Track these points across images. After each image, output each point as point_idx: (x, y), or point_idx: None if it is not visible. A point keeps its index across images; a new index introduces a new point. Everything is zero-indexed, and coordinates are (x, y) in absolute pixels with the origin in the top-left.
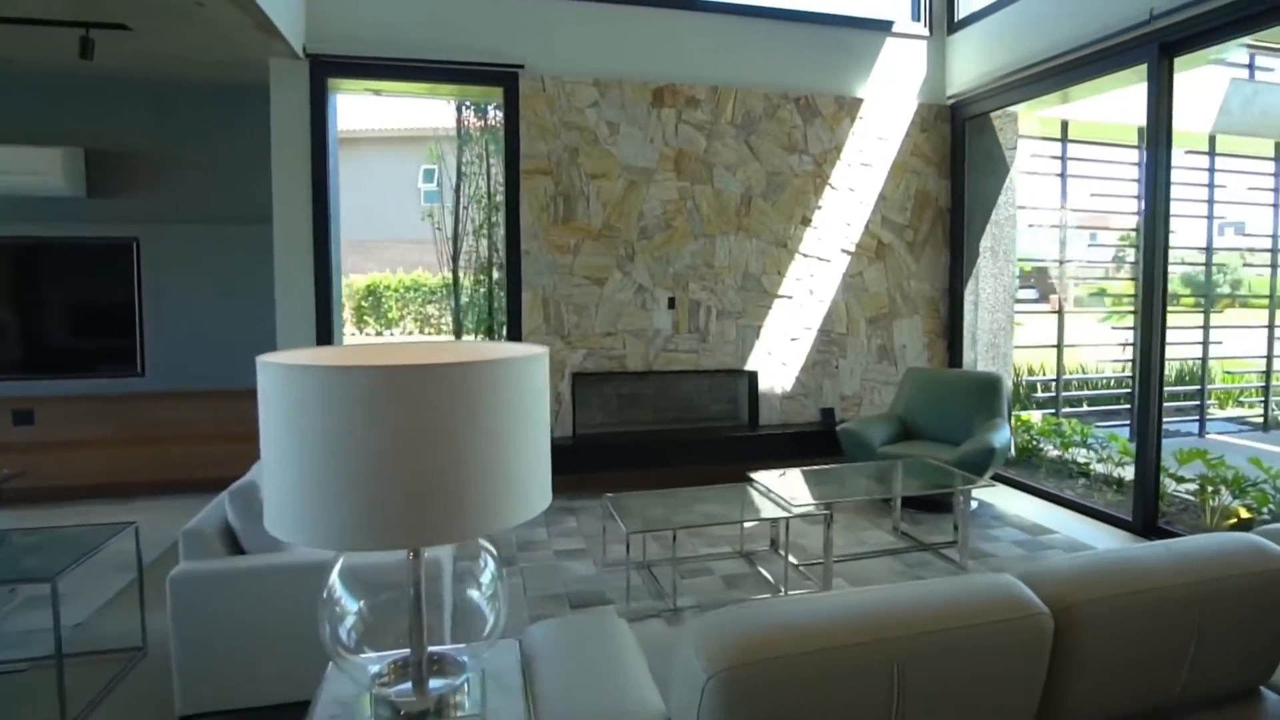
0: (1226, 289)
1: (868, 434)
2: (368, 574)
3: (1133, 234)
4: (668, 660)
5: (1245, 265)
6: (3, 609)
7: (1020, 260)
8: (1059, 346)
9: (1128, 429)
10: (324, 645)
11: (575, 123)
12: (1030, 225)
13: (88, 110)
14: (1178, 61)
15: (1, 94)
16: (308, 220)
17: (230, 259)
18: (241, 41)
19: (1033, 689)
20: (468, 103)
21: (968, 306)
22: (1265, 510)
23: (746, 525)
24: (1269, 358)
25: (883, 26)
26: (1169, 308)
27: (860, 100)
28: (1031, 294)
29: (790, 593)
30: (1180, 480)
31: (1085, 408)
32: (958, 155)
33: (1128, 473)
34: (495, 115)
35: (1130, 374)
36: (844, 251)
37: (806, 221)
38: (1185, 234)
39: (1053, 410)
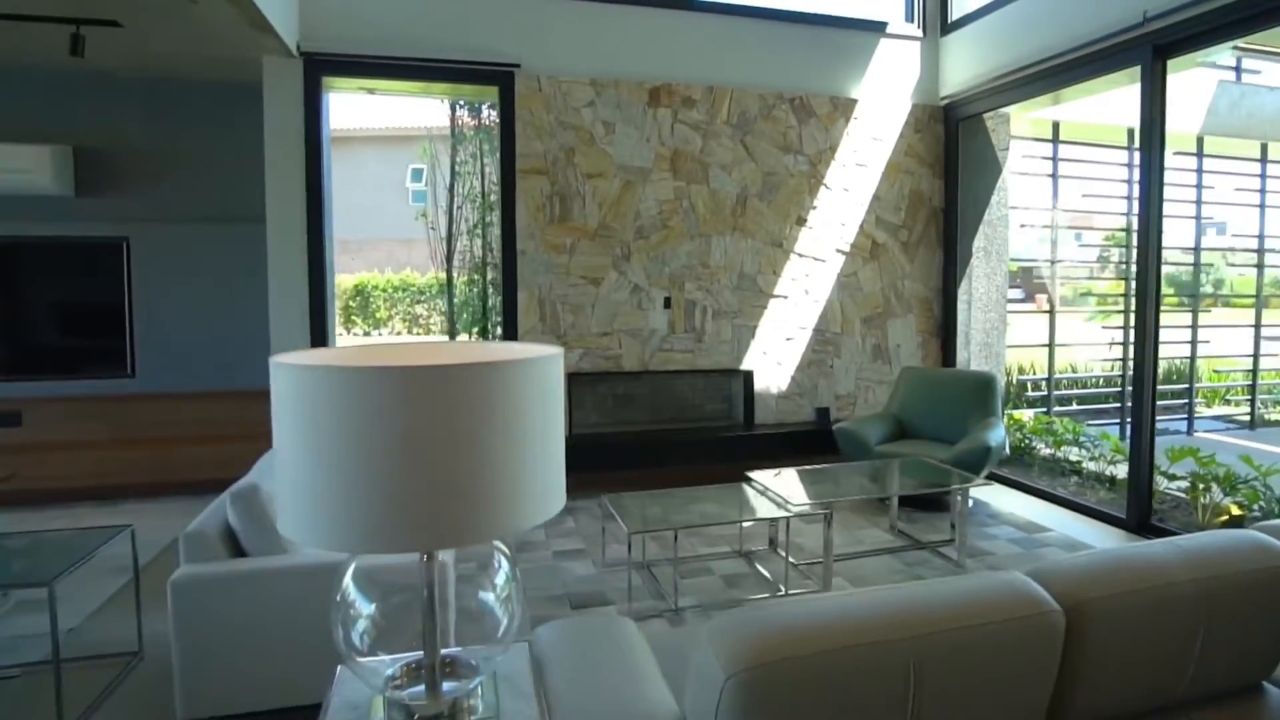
0: (1209, 288)
1: (864, 433)
2: (380, 576)
3: (1121, 234)
4: (674, 660)
5: (1229, 265)
6: None
7: (1010, 260)
8: (1050, 346)
9: (1117, 427)
10: (337, 648)
11: (571, 122)
12: (1022, 225)
13: (77, 107)
14: (1170, 64)
15: None
16: (301, 220)
17: (222, 259)
18: (235, 39)
19: (1044, 686)
20: (461, 102)
21: (961, 306)
22: (1256, 507)
23: (745, 525)
24: (1255, 356)
25: (877, 28)
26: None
27: (855, 101)
28: (1018, 294)
29: (791, 592)
30: (1172, 478)
31: (1074, 406)
32: (951, 156)
33: (1119, 471)
34: (489, 115)
35: (1119, 373)
36: (839, 251)
37: (802, 221)
38: (1172, 234)
39: (1044, 409)
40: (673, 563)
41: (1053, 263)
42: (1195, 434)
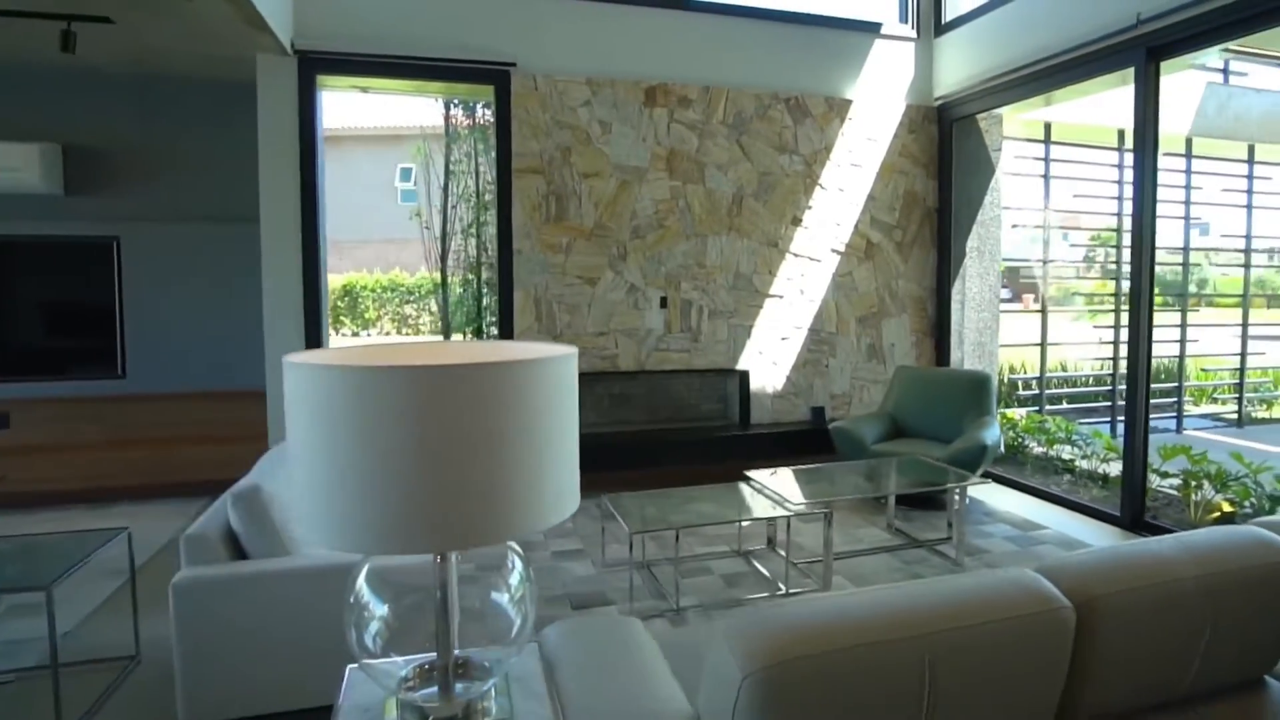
0: (1193, 288)
1: (860, 432)
2: (391, 577)
3: (1111, 234)
4: (681, 660)
5: (1212, 265)
6: None
7: (1003, 260)
8: (1042, 345)
9: (1107, 425)
10: (350, 650)
11: (567, 122)
12: (1014, 225)
13: (66, 105)
14: (1162, 65)
15: None
16: (296, 220)
17: (214, 259)
18: (229, 36)
19: (1055, 682)
20: (456, 101)
21: (954, 306)
22: (1247, 504)
23: (745, 524)
24: (1242, 355)
25: (871, 28)
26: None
27: (850, 101)
28: (1005, 293)
29: (792, 591)
30: (1164, 475)
31: (1064, 405)
32: (945, 156)
33: (1111, 468)
34: (483, 114)
35: (1109, 371)
36: (834, 251)
37: (797, 221)
38: (1161, 234)
39: (1035, 408)
40: (673, 562)
41: (1044, 262)
42: (1184, 432)
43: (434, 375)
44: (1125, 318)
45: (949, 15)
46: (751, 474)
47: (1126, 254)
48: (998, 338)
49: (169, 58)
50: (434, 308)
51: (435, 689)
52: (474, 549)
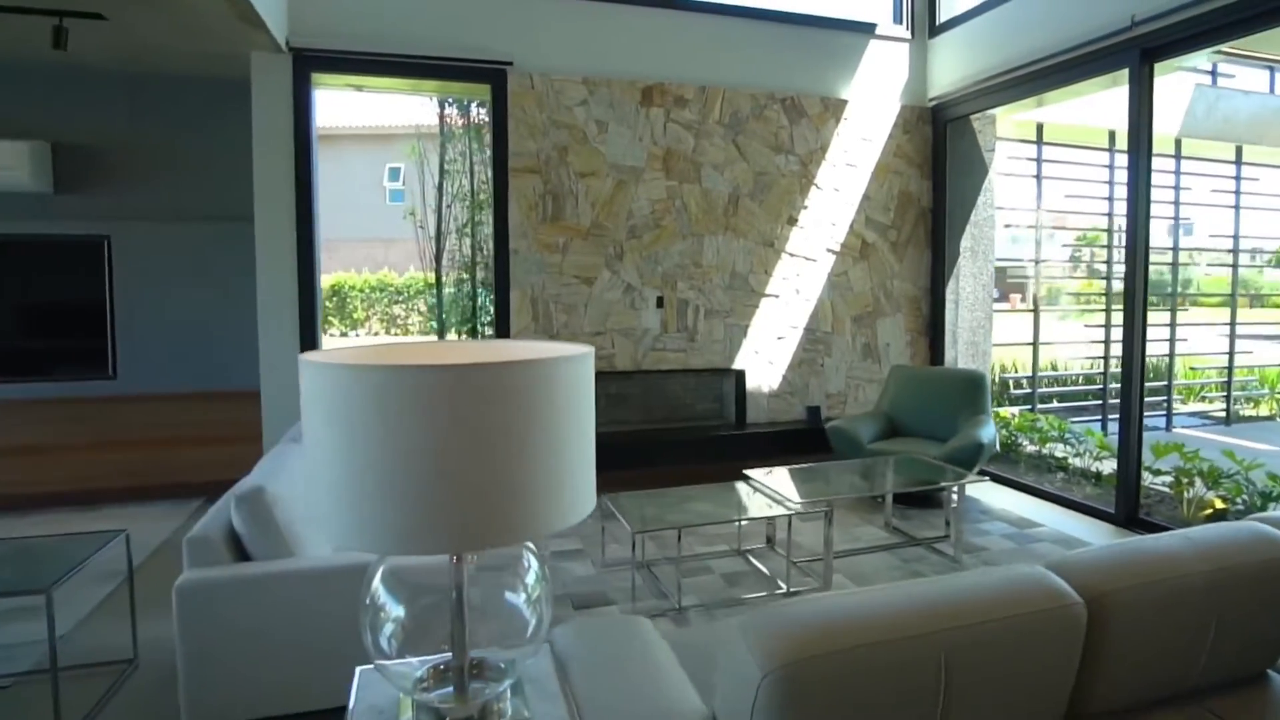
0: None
1: (856, 431)
2: (406, 577)
3: (1102, 234)
4: (688, 659)
5: (1192, 264)
6: None
7: (996, 260)
8: (1034, 344)
9: (1098, 423)
10: (366, 651)
11: (564, 121)
12: (1007, 225)
13: (56, 102)
14: (1156, 67)
15: None
16: (290, 219)
17: (206, 258)
18: (223, 33)
19: (1067, 677)
20: (450, 100)
21: (948, 305)
22: (1239, 500)
23: (744, 523)
24: (1230, 354)
25: (866, 29)
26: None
27: (845, 101)
28: (994, 293)
29: (793, 590)
30: (1157, 473)
31: (1055, 404)
32: (939, 157)
33: (1104, 466)
34: (478, 113)
35: (1100, 370)
36: (829, 251)
37: (793, 221)
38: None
39: (1027, 406)
40: (675, 562)
41: (1036, 262)
42: (1173, 430)
43: (458, 374)
44: (1116, 317)
45: (943, 16)
46: (752, 473)
47: (1117, 254)
48: (990, 337)
49: (162, 55)
50: (423, 308)
51: (449, 689)
52: (492, 549)
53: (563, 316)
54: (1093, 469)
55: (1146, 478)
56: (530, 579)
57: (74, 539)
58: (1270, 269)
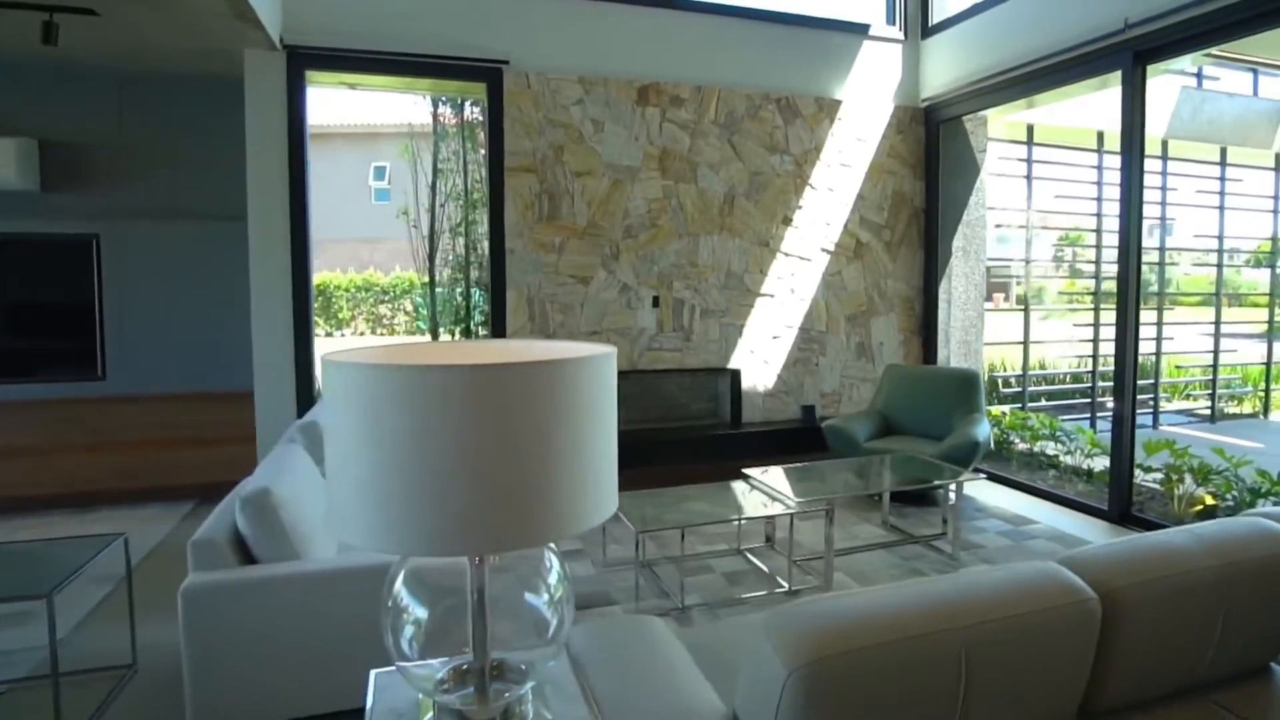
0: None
1: (852, 430)
2: (428, 579)
3: (1091, 234)
4: (696, 658)
5: (1172, 264)
6: None
7: (987, 260)
8: (1025, 343)
9: (1087, 421)
10: (388, 653)
11: (560, 120)
12: (998, 225)
13: (44, 99)
14: (1149, 69)
15: None
16: (284, 217)
17: (196, 257)
18: (217, 30)
19: (1081, 672)
20: (444, 99)
21: (941, 304)
22: (1229, 496)
23: (744, 522)
24: (1215, 353)
25: (860, 30)
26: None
27: (839, 102)
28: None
29: (794, 588)
30: (1147, 470)
31: (1043, 402)
32: (932, 157)
33: (1095, 464)
34: (471, 111)
35: (1088, 369)
36: (824, 250)
37: (788, 221)
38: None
39: (1018, 405)
40: (677, 561)
41: (1027, 262)
42: (1160, 428)
43: (488, 374)
44: (1104, 316)
45: (936, 18)
46: (750, 471)
47: (1106, 254)
48: (982, 336)
49: (154, 52)
50: (409, 307)
51: (469, 690)
52: (515, 550)
53: (559, 316)
54: (1084, 466)
55: (1137, 475)
56: (553, 579)
57: (72, 542)
58: (1249, 269)
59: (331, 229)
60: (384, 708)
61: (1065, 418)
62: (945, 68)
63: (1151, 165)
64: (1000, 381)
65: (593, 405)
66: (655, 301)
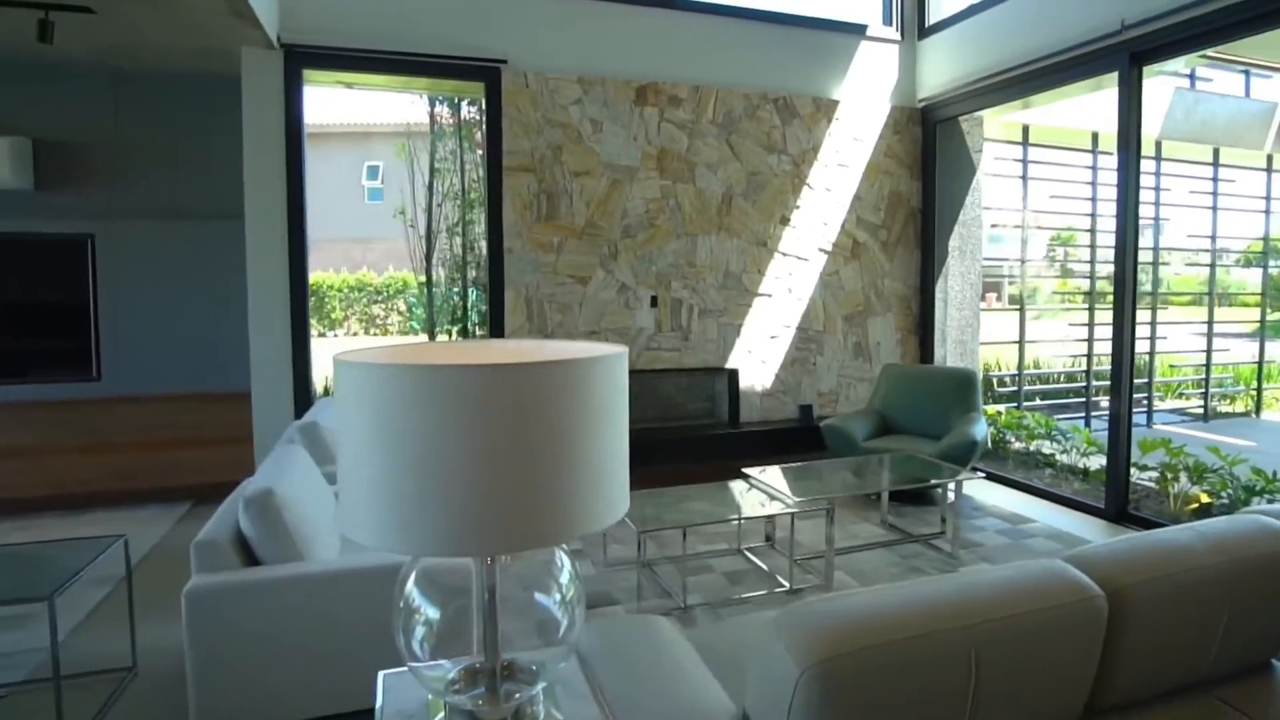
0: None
1: (851, 429)
2: (438, 579)
3: (1076, 234)
4: (701, 657)
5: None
6: None
7: (983, 260)
8: (1020, 343)
9: (1082, 420)
10: (399, 654)
11: (558, 120)
12: (994, 225)
13: (37, 97)
14: (1144, 70)
15: None
16: (282, 217)
17: (193, 257)
18: (214, 28)
19: (1089, 669)
20: (441, 98)
21: (937, 304)
22: (1224, 494)
23: (744, 521)
24: (1208, 352)
25: (857, 30)
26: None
27: (836, 102)
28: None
29: (795, 587)
30: (1143, 469)
31: (1038, 401)
32: (928, 157)
33: (1091, 462)
34: (468, 110)
35: (1083, 369)
36: (821, 250)
37: (785, 221)
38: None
39: (1014, 404)
40: (679, 561)
41: (1022, 261)
42: (1154, 427)
43: (501, 374)
44: (1099, 315)
45: (932, 19)
46: (750, 470)
47: (1100, 253)
48: (978, 335)
49: (150, 50)
50: (403, 307)
51: (479, 691)
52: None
53: (557, 316)
54: (1080, 465)
55: (1133, 473)
56: (564, 579)
57: (71, 544)
58: (1239, 268)
59: (324, 229)
60: (393, 709)
61: (1060, 417)
62: (942, 68)
63: (1145, 165)
64: (995, 381)
65: (606, 404)
66: (653, 301)
